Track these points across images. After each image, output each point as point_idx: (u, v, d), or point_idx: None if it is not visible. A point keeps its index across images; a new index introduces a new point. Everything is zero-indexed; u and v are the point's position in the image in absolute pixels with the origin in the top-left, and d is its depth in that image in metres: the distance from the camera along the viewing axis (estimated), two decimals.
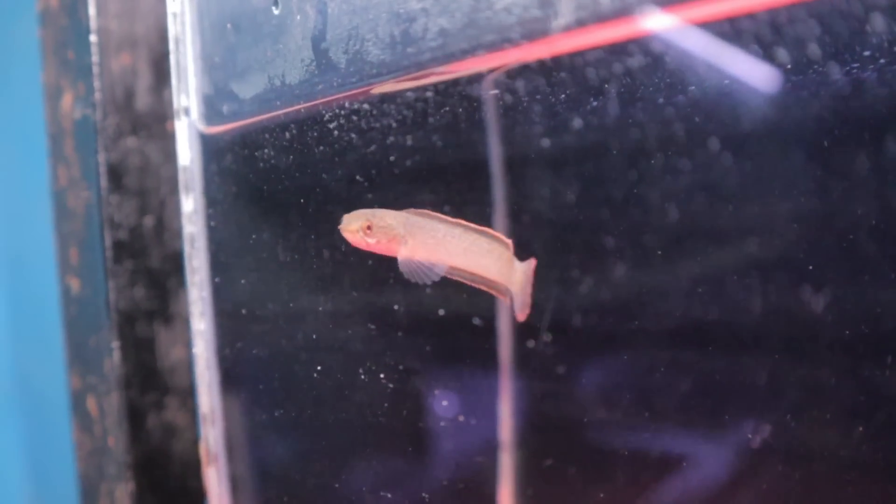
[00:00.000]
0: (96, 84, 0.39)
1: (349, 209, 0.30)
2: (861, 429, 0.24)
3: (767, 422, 0.26)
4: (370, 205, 0.27)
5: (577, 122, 0.25)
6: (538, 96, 0.25)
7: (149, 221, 0.45)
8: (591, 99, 0.24)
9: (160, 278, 0.46)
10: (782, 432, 0.26)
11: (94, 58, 0.39)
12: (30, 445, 1.63)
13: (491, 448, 0.40)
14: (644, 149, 0.24)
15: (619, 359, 0.30)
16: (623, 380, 0.32)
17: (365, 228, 0.28)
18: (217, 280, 0.37)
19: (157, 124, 0.45)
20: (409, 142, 0.27)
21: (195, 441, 0.47)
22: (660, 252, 0.26)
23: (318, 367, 0.33)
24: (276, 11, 0.31)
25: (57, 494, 1.24)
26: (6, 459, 1.60)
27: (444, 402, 0.36)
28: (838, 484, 0.27)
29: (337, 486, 0.37)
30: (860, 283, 0.22)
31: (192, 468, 0.47)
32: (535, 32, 0.23)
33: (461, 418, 0.37)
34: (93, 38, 0.39)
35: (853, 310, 0.22)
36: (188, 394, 0.47)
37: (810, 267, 0.23)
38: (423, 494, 0.38)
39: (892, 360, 0.22)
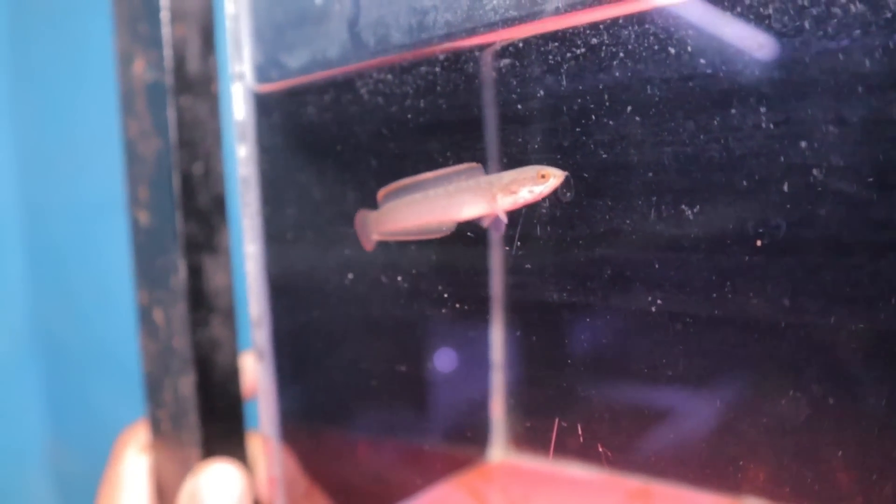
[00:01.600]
0: (166, 53, 0.48)
1: (373, 155, 0.40)
2: None
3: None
4: (389, 152, 0.37)
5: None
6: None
7: (198, 168, 0.55)
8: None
9: (207, 216, 0.55)
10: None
11: (164, 30, 0.48)
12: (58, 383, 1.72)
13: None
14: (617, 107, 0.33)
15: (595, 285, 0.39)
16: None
17: None
18: (266, 212, 0.46)
19: (204, 85, 0.54)
20: (421, 104, 0.36)
21: (234, 354, 0.57)
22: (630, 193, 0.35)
23: (349, 277, 0.43)
24: (318, 1, 0.40)
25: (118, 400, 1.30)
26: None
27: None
28: None
29: (361, 377, 0.47)
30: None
31: (231, 376, 0.57)
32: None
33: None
34: (163, 13, 0.48)
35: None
36: (228, 314, 0.56)
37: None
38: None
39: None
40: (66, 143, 1.59)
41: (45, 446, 1.72)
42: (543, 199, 0.34)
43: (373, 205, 0.44)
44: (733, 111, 0.29)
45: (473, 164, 0.36)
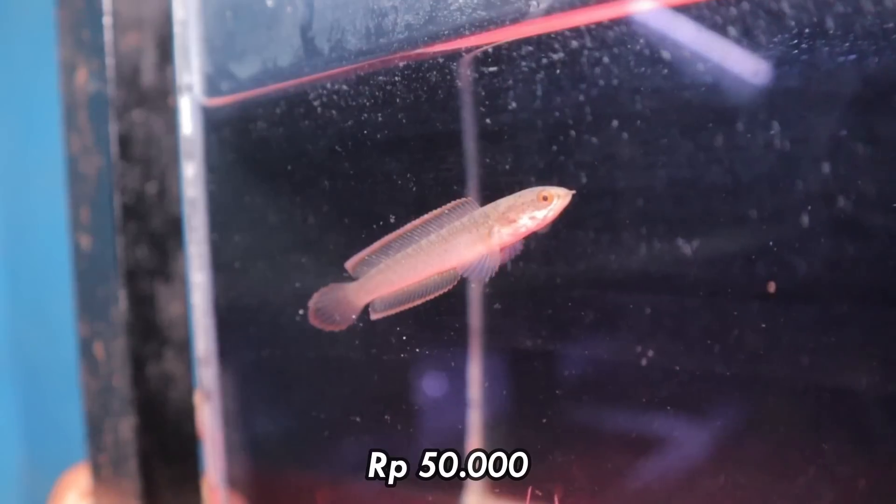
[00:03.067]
0: (109, 61, 0.44)
1: (329, 175, 0.36)
2: None
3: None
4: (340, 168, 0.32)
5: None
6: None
7: (151, 188, 0.50)
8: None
9: (161, 240, 0.51)
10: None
11: (107, 37, 0.44)
12: (28, 406, 1.69)
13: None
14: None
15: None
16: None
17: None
18: (214, 237, 0.42)
19: (160, 98, 0.50)
20: (380, 118, 0.32)
21: (189, 390, 0.52)
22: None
23: (301, 312, 0.38)
24: (269, 3, 0.35)
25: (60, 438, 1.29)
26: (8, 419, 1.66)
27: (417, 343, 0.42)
28: None
29: (319, 419, 0.42)
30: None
31: (187, 414, 0.52)
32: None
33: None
34: (106, 19, 0.44)
35: None
36: (184, 346, 0.52)
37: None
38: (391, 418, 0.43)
39: None
40: (46, 166, 1.57)
41: (21, 472, 1.78)
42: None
43: (334, 232, 0.39)
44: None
45: (464, 200, 0.31)
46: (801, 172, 0.22)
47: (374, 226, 0.33)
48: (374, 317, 0.36)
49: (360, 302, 0.35)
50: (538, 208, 0.29)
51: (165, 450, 0.50)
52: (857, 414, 0.24)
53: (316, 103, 0.34)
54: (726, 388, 0.27)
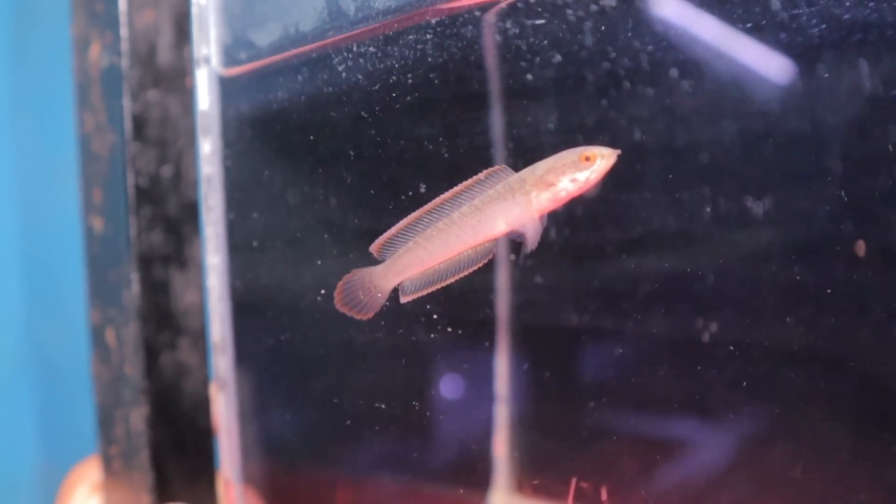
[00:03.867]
0: (123, 33, 0.42)
1: (354, 145, 0.33)
2: None
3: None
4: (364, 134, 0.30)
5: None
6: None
7: (167, 171, 0.48)
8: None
9: (176, 225, 0.49)
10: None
11: (122, 8, 0.42)
12: (45, 399, 1.70)
13: None
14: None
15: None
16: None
17: None
18: (231, 217, 0.40)
19: (177, 79, 0.48)
20: (410, 80, 0.30)
21: (205, 381, 0.50)
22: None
23: (322, 293, 0.36)
24: None
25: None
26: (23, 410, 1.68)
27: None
28: None
29: (339, 408, 0.40)
30: None
31: (202, 406, 0.50)
32: None
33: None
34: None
35: None
36: (199, 336, 0.50)
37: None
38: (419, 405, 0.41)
39: None
40: (66, 165, 1.58)
41: (38, 470, 1.77)
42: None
43: (359, 211, 0.37)
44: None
45: (499, 167, 0.29)
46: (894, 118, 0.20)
47: (403, 197, 0.30)
48: (403, 300, 0.33)
49: (389, 285, 0.33)
50: (580, 169, 0.26)
51: (179, 443, 0.48)
52: None
53: (340, 68, 0.32)
54: (804, 367, 0.25)
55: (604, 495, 0.45)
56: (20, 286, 1.74)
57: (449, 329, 0.40)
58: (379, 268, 0.32)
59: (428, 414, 0.49)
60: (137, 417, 0.44)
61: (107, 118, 0.44)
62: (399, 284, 0.33)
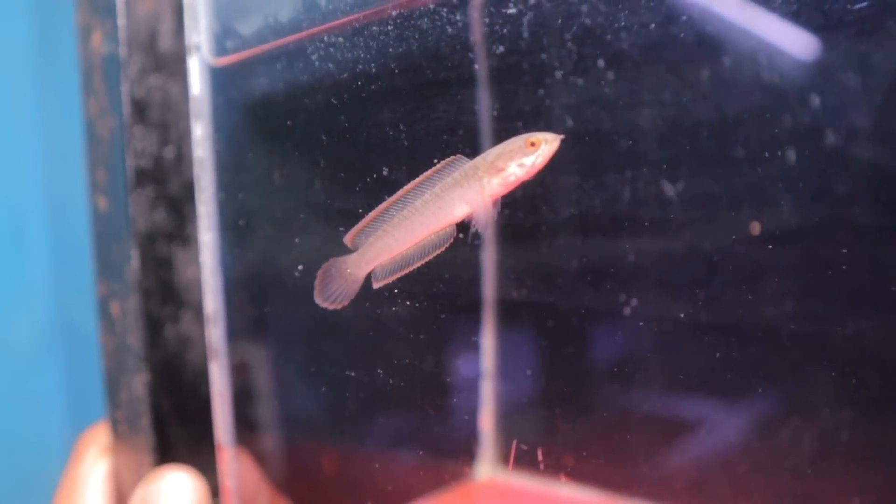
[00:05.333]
0: (121, 22, 0.44)
1: (326, 130, 0.35)
2: None
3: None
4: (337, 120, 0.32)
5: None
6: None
7: (168, 153, 0.51)
8: None
9: (178, 204, 0.51)
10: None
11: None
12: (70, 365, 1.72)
13: None
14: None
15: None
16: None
17: None
18: (221, 197, 0.42)
19: (178, 63, 0.50)
20: (374, 69, 0.32)
21: (202, 352, 0.53)
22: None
23: (301, 267, 0.38)
24: None
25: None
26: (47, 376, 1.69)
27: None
28: None
29: (334, 381, 0.42)
30: None
31: (202, 376, 0.52)
32: None
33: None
34: None
35: None
36: (201, 309, 0.52)
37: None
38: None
39: None
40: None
41: (66, 440, 1.83)
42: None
43: (334, 192, 0.39)
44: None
45: (454, 157, 0.31)
46: (789, 107, 0.21)
47: (369, 179, 0.32)
48: (375, 285, 0.36)
49: (362, 273, 0.35)
50: (526, 155, 0.28)
51: (180, 409, 0.51)
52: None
53: (313, 57, 0.34)
54: (711, 336, 0.26)
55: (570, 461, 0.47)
56: (48, 264, 1.75)
57: (436, 306, 0.43)
58: (352, 257, 0.35)
59: (416, 388, 0.51)
60: (140, 384, 0.47)
61: (108, 103, 0.47)
62: (371, 271, 0.35)
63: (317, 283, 0.35)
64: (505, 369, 0.53)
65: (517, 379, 0.56)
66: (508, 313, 0.48)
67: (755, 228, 0.22)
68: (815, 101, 0.22)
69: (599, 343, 0.43)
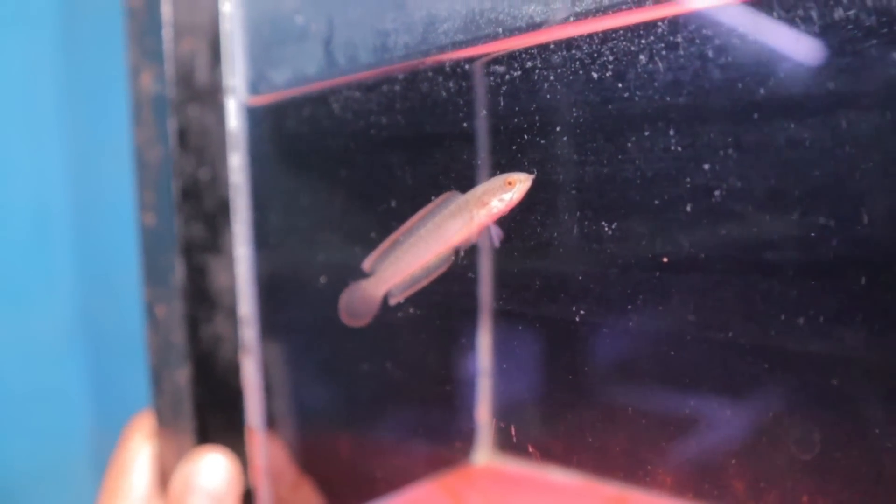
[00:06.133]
0: (167, 66, 0.52)
1: (345, 167, 0.42)
2: None
3: None
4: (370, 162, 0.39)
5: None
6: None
7: (205, 174, 0.58)
8: None
9: (212, 219, 0.58)
10: None
11: (167, 44, 0.52)
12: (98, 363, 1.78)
13: None
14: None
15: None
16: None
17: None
18: (255, 217, 0.50)
19: (212, 95, 0.57)
20: (384, 120, 0.39)
21: (235, 349, 0.60)
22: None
23: (322, 278, 0.45)
24: (298, 22, 0.42)
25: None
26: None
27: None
28: None
29: (348, 376, 0.49)
30: None
31: (233, 369, 0.60)
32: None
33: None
34: (166, 30, 0.51)
35: None
36: (232, 311, 0.60)
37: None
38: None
39: None
40: (114, 150, 1.67)
41: (89, 431, 1.79)
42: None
43: (350, 215, 0.46)
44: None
45: (449, 193, 0.38)
46: (688, 170, 0.28)
47: (379, 208, 0.40)
48: (392, 302, 0.43)
49: (379, 293, 0.42)
50: (505, 191, 0.35)
51: (215, 398, 0.58)
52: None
53: (335, 106, 0.41)
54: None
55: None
56: (73, 264, 1.82)
57: (439, 310, 0.50)
58: (371, 280, 0.42)
59: (421, 382, 0.58)
60: (181, 376, 0.55)
61: (156, 133, 0.54)
62: (387, 292, 0.42)
63: (341, 304, 0.42)
64: (499, 367, 0.60)
65: (510, 376, 0.63)
66: (500, 318, 0.55)
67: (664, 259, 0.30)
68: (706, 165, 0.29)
69: (574, 346, 0.50)
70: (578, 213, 0.34)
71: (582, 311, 0.45)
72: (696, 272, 0.33)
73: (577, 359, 0.54)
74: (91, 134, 1.71)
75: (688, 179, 0.31)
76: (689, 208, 0.32)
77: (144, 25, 0.53)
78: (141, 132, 0.55)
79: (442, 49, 0.34)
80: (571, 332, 0.51)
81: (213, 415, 0.57)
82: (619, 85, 0.31)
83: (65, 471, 1.84)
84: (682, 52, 0.31)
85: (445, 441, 0.65)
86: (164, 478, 0.59)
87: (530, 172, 0.34)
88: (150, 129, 0.54)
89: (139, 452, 0.60)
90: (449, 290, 0.47)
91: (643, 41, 0.31)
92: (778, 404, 0.36)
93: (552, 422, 0.61)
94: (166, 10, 0.51)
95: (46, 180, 1.73)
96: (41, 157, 1.76)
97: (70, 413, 1.75)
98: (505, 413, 0.64)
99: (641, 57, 0.31)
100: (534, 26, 0.33)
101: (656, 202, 0.32)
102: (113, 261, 1.65)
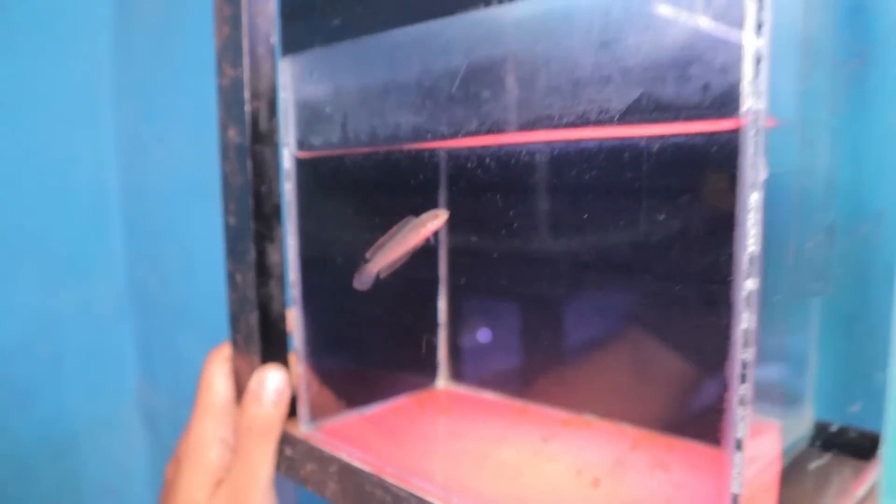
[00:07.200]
0: (247, 126, 0.83)
1: (358, 197, 0.74)
2: None
3: None
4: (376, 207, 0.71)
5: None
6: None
7: (265, 188, 0.89)
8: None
9: (269, 219, 0.90)
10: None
11: (246, 108, 0.83)
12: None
13: None
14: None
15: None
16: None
17: None
18: (300, 222, 0.81)
19: (270, 136, 0.89)
20: (375, 173, 0.70)
21: (283, 305, 0.91)
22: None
23: (340, 260, 0.77)
24: (328, 109, 0.73)
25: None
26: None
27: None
28: None
29: (355, 325, 0.82)
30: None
31: (281, 318, 0.91)
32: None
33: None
34: (245, 105, 0.83)
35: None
36: (280, 279, 0.91)
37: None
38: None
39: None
40: (158, 144, 1.84)
41: (137, 385, 2.06)
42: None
43: (360, 230, 0.78)
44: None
45: (410, 216, 0.70)
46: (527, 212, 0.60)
47: (375, 222, 0.71)
48: (382, 276, 0.75)
49: (374, 271, 0.74)
50: (432, 220, 0.67)
51: (272, 334, 0.89)
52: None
53: (349, 163, 0.72)
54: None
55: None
56: (124, 241, 1.95)
57: (412, 285, 0.81)
58: (370, 263, 0.74)
59: (398, 330, 0.89)
60: (252, 319, 0.86)
61: (238, 167, 0.85)
62: (378, 270, 0.74)
63: (355, 278, 0.75)
64: (452, 321, 0.91)
65: (462, 327, 0.94)
66: (453, 287, 0.87)
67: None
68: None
69: (511, 307, 0.82)
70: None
71: (504, 283, 0.77)
72: (547, 261, 0.65)
73: (501, 318, 0.85)
74: (140, 130, 1.84)
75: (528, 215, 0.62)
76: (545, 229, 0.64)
77: (230, 99, 0.85)
78: (228, 165, 0.87)
79: (406, 141, 0.65)
80: (498, 298, 0.83)
81: (270, 344, 0.88)
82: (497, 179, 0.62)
83: (116, 418, 2.02)
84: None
85: (417, 371, 0.96)
86: (239, 387, 0.91)
87: (448, 210, 0.66)
88: (233, 164, 0.86)
89: (220, 370, 0.87)
90: (417, 270, 0.78)
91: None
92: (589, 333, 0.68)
93: (486, 361, 0.92)
94: (246, 92, 0.82)
95: (103, 170, 1.91)
96: (99, 150, 1.86)
97: (121, 368, 2.02)
98: (456, 354, 0.95)
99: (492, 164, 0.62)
100: (468, 133, 0.64)
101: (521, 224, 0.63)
102: (158, 239, 1.83)
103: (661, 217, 0.54)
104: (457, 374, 0.89)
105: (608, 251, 0.65)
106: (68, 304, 1.87)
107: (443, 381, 0.90)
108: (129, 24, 1.83)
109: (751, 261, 0.35)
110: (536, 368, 0.85)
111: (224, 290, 0.82)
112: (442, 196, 0.73)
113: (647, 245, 0.60)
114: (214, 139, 0.85)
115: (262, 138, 0.86)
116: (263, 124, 0.87)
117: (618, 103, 0.43)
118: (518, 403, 0.82)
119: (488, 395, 0.85)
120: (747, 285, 0.35)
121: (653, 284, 0.62)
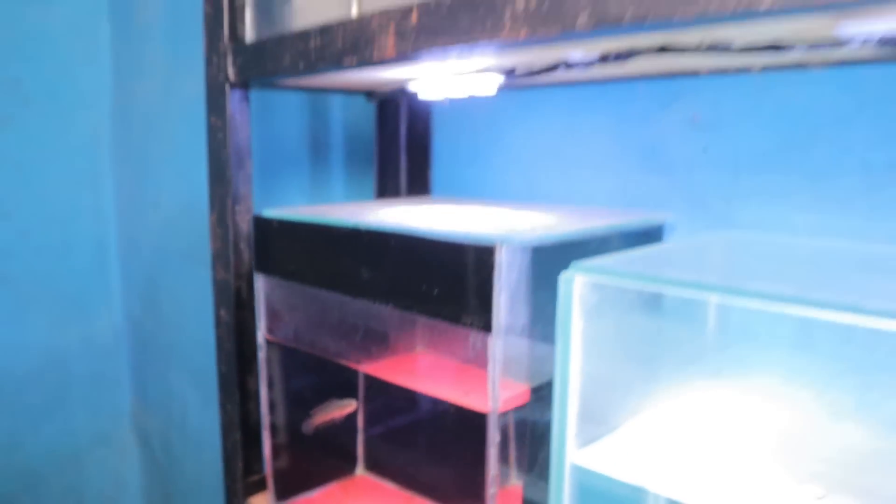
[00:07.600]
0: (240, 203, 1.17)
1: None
2: None
3: None
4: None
5: None
6: None
7: (239, 244, 1.24)
8: None
9: (247, 260, 1.23)
10: None
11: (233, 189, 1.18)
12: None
13: None
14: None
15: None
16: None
17: None
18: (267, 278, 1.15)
19: (244, 202, 1.23)
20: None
21: (253, 331, 1.24)
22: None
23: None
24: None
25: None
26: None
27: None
28: None
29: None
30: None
31: (251, 336, 1.25)
32: None
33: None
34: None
35: None
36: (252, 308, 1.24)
37: None
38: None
39: None
40: (148, 204, 1.88)
41: (132, 408, 2.09)
42: None
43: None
44: None
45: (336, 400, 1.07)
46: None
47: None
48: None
49: (314, 424, 1.09)
50: (347, 406, 1.03)
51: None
52: None
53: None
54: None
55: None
56: (121, 283, 2.01)
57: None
58: (312, 419, 1.09)
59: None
60: (229, 346, 1.19)
61: (219, 225, 1.19)
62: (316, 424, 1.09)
63: (303, 425, 1.09)
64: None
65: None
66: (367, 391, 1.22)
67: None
68: None
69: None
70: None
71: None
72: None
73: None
74: (132, 191, 1.92)
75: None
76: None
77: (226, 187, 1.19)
78: (212, 220, 1.21)
79: None
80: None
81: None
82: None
83: (114, 436, 2.07)
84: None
85: (338, 461, 1.17)
86: None
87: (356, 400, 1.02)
88: (218, 240, 1.20)
89: None
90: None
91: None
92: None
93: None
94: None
95: (103, 223, 2.00)
96: (100, 206, 1.95)
97: (118, 393, 2.06)
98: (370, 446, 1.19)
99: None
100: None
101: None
102: (149, 282, 1.90)
103: None
104: (373, 464, 1.22)
105: None
106: (73, 339, 1.96)
107: (361, 469, 1.22)
108: (124, 98, 1.86)
109: None
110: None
111: (210, 334, 1.08)
112: None
113: None
114: (204, 209, 1.11)
115: (237, 198, 1.20)
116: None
117: None
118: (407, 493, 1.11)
119: (390, 484, 1.15)
120: None
121: None
